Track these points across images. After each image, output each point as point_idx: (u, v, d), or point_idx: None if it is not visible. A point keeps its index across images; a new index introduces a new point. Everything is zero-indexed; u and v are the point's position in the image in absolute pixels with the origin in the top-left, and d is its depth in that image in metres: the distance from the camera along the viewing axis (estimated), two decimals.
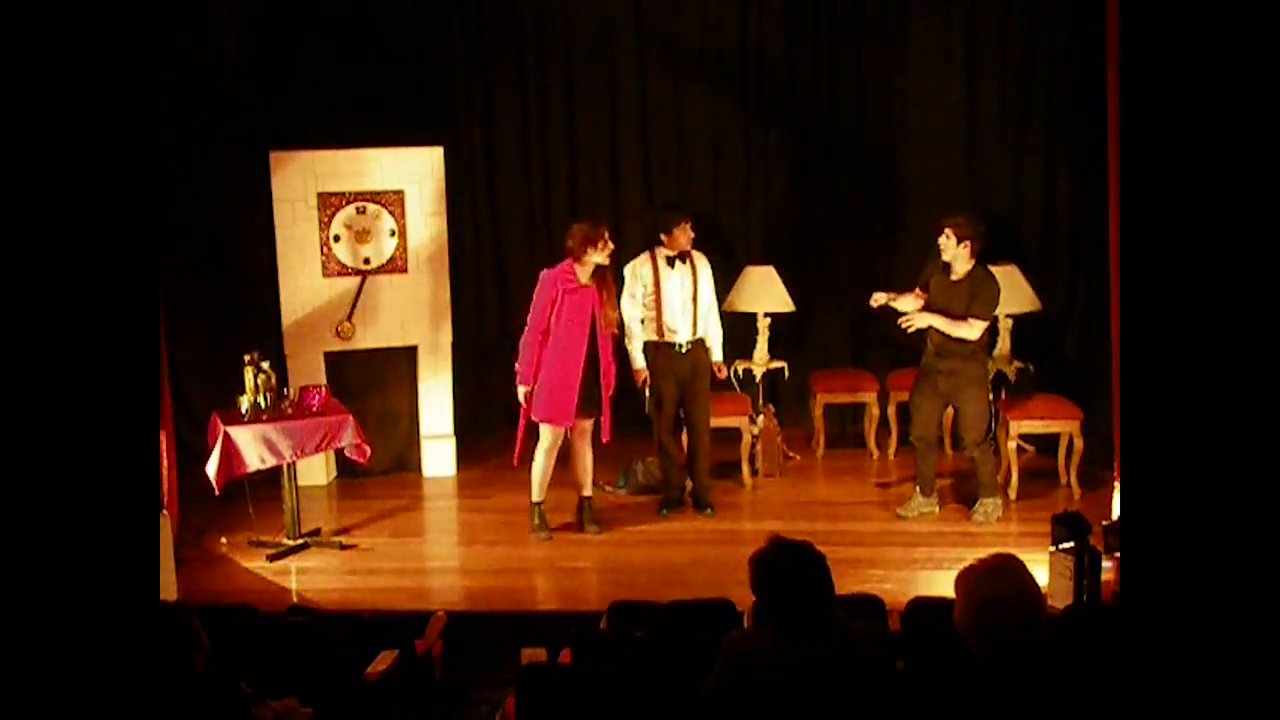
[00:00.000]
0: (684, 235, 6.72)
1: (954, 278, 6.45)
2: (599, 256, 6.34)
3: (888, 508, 7.00)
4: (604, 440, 6.61)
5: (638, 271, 6.75)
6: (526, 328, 6.43)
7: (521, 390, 6.47)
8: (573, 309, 6.33)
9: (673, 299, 6.74)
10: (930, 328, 6.51)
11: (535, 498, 6.66)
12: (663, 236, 6.75)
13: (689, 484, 7.05)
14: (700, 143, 8.47)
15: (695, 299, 6.77)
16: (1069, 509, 5.84)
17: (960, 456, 7.21)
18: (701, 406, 6.91)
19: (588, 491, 6.79)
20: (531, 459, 6.58)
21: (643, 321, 6.76)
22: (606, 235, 6.36)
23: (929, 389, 6.67)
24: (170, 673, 3.12)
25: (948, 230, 6.39)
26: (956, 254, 6.40)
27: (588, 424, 6.58)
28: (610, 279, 6.49)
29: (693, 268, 6.78)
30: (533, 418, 6.49)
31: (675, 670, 3.61)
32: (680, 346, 6.78)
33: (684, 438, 7.04)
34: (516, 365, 6.49)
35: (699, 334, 6.83)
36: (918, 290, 6.63)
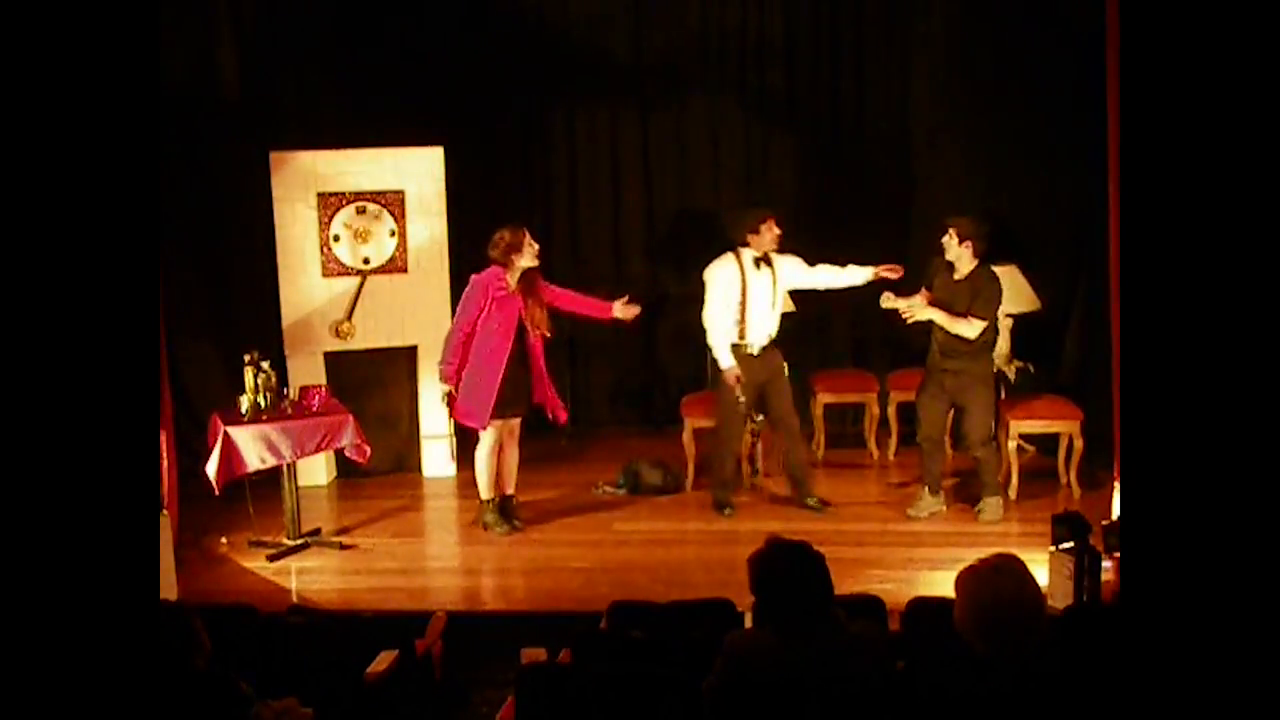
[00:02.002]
0: (770, 233, 6.54)
1: (957, 277, 6.47)
2: (525, 260, 6.34)
3: (887, 507, 6.99)
4: (562, 420, 6.78)
5: (723, 276, 6.58)
6: (452, 328, 6.44)
7: (443, 389, 6.45)
8: (501, 316, 6.33)
9: (757, 302, 6.60)
10: (935, 328, 6.52)
11: (484, 496, 6.70)
12: (749, 237, 6.57)
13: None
14: (700, 141, 8.47)
15: (775, 303, 6.68)
16: (1069, 509, 5.84)
17: (960, 456, 7.20)
18: (786, 404, 6.82)
19: (511, 490, 6.82)
20: (471, 458, 6.67)
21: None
22: (528, 237, 6.35)
23: (935, 389, 6.68)
24: (170, 672, 3.12)
25: (950, 230, 6.43)
26: (959, 254, 6.43)
27: (515, 424, 6.64)
28: (539, 282, 6.47)
29: (773, 270, 6.65)
30: (455, 419, 6.55)
31: (675, 670, 3.60)
32: (752, 348, 6.64)
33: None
34: (439, 364, 6.47)
35: (773, 336, 6.73)
36: (924, 290, 6.64)
